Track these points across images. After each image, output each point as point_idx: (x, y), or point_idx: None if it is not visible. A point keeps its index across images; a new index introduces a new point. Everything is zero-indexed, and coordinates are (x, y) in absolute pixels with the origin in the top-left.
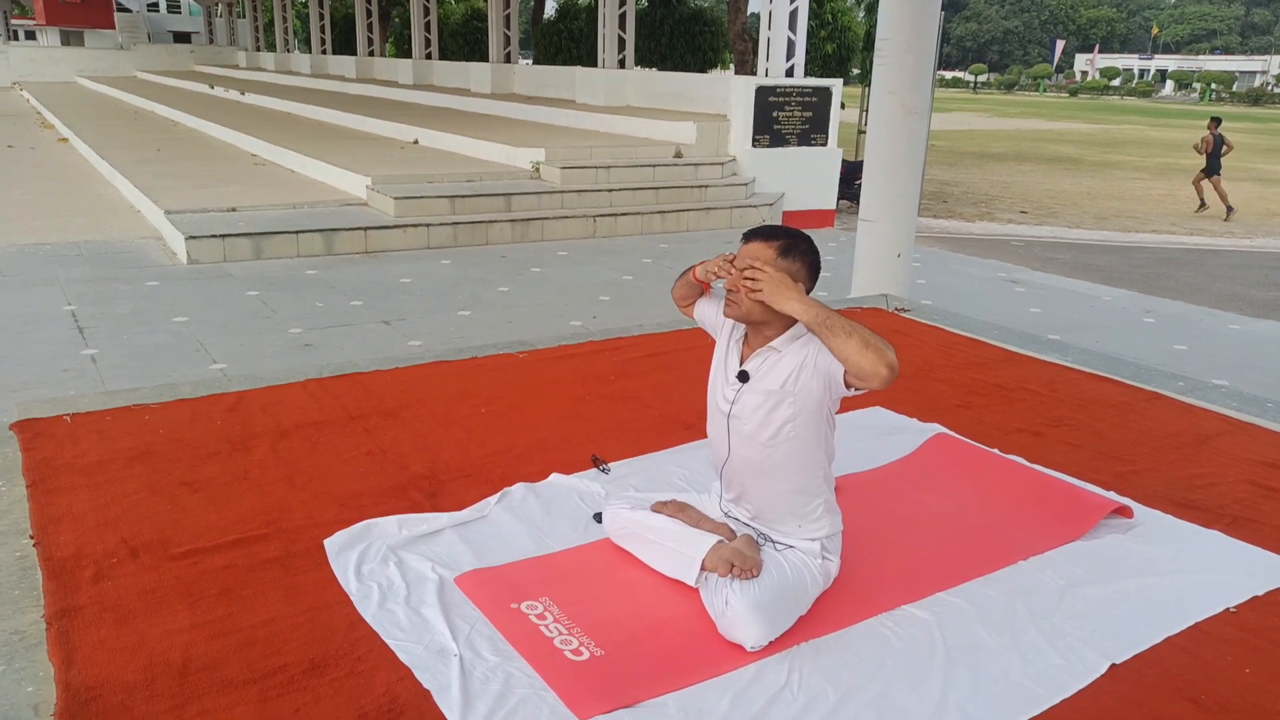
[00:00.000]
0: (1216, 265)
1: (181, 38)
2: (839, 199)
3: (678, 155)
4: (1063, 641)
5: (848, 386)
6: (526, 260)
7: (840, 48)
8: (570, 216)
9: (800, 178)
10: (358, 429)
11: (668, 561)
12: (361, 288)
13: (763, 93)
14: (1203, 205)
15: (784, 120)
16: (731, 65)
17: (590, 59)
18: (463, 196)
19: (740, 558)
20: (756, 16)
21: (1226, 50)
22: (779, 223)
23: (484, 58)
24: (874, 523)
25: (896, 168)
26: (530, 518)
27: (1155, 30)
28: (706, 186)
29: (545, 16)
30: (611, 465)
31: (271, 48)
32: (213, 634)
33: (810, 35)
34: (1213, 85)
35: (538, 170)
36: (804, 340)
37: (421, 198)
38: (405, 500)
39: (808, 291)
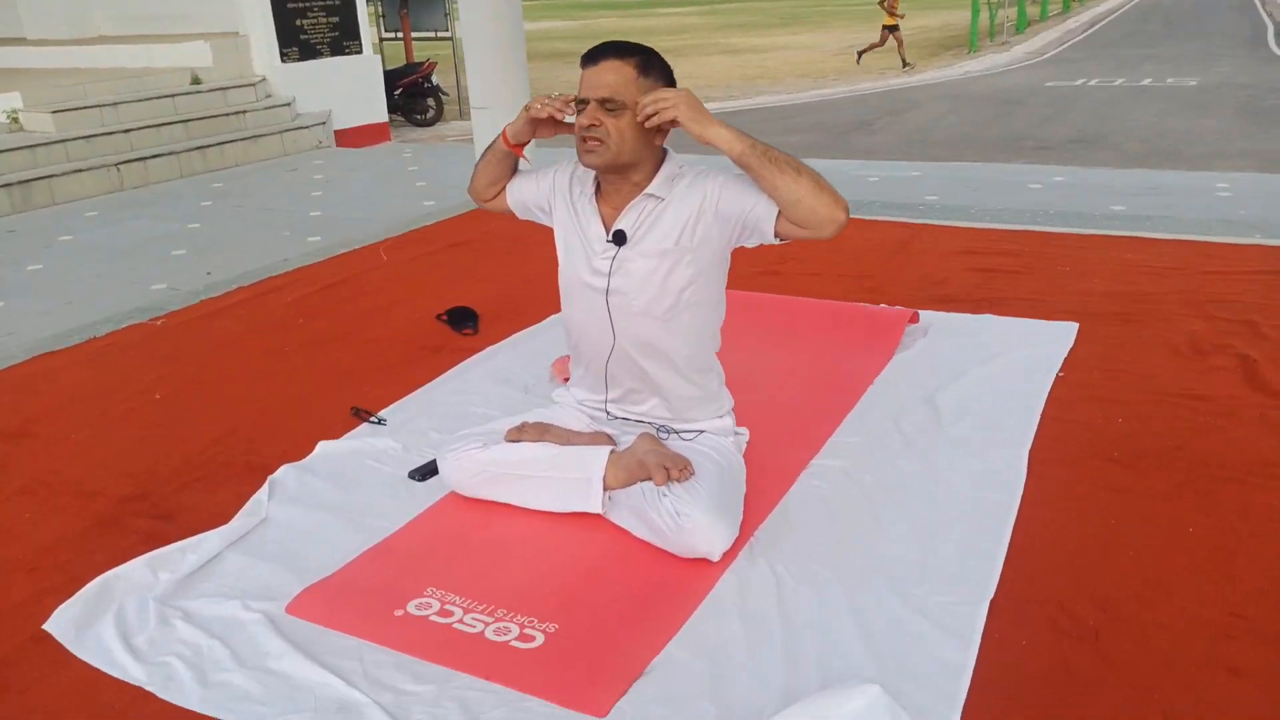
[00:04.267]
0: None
1: None
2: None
3: (196, 81)
4: (976, 441)
5: (777, 236)
6: (46, 230)
7: None
8: (84, 170)
9: (343, 92)
10: None
11: (559, 494)
12: None
13: (278, 1)
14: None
15: (310, 29)
16: None
17: None
18: None
19: (670, 459)
20: None
21: None
22: (333, 143)
23: None
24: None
25: (499, 47)
26: (325, 502)
27: None
28: (244, 113)
29: None
30: (382, 414)
31: None
32: None
33: None
34: None
35: (17, 120)
36: (689, 181)
37: None
38: (130, 532)
39: None
